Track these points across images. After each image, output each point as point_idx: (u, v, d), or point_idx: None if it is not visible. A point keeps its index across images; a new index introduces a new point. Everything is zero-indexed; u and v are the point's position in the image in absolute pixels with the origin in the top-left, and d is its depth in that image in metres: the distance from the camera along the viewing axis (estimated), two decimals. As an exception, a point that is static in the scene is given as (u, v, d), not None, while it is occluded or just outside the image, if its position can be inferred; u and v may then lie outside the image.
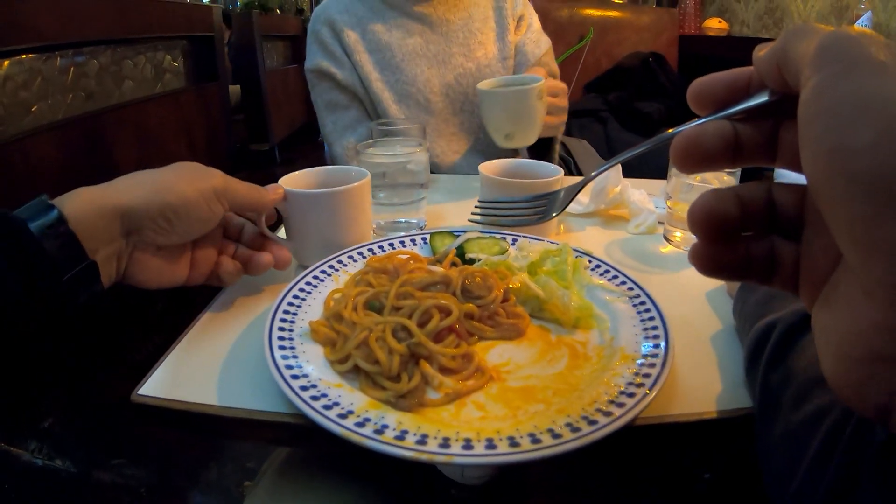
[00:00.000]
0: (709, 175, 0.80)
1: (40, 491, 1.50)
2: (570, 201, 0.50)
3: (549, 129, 1.14)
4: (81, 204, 0.51)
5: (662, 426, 0.49)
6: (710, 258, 0.30)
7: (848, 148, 0.21)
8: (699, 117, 0.31)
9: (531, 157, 1.26)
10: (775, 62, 0.26)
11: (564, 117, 1.18)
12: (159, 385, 0.53)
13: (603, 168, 0.44)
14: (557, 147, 1.33)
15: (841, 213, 0.21)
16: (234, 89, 4.20)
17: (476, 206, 0.60)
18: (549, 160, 1.25)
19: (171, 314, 0.63)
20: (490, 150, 1.34)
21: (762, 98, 0.29)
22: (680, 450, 0.72)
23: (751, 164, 0.31)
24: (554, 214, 0.50)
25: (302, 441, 0.57)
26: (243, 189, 0.64)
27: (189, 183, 0.59)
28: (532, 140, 1.08)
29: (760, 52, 0.27)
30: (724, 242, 0.30)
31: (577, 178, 1.16)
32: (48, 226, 0.48)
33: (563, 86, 1.14)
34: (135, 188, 0.56)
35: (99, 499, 1.49)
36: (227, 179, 0.62)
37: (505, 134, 1.06)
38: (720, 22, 3.44)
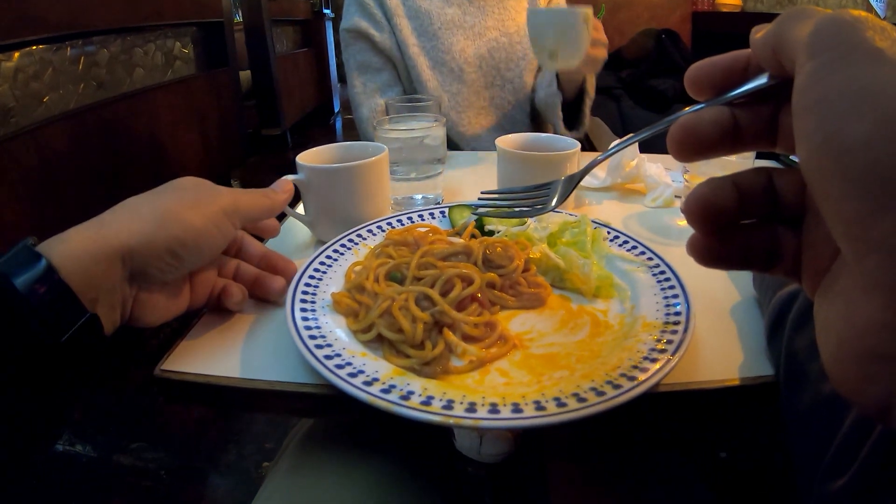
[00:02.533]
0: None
1: (61, 476, 1.53)
2: (571, 192, 0.50)
3: (591, 62, 1.14)
4: (74, 249, 0.44)
5: (685, 393, 0.49)
6: (708, 249, 0.29)
7: (841, 142, 0.20)
8: (697, 103, 0.30)
9: (565, 120, 1.28)
10: (770, 46, 0.25)
11: (605, 53, 1.17)
12: (182, 360, 0.54)
13: (603, 156, 0.43)
14: (588, 104, 1.32)
15: (836, 209, 0.21)
16: (245, 75, 4.20)
17: (479, 199, 0.60)
18: (580, 115, 1.29)
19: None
20: (517, 130, 1.34)
21: (761, 80, 0.28)
22: (698, 427, 0.72)
23: (751, 150, 0.30)
24: (553, 204, 0.50)
25: (324, 412, 0.58)
26: (251, 201, 0.59)
27: (194, 209, 0.52)
28: (574, 63, 1.09)
29: (757, 34, 0.26)
30: (722, 233, 0.29)
31: (592, 154, 1.16)
32: (36, 280, 0.41)
33: (600, 24, 1.15)
34: (134, 223, 0.49)
35: (119, 482, 1.51)
36: (233, 195, 0.57)
37: (549, 52, 1.08)
38: (733, -3, 3.39)
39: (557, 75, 1.23)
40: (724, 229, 0.29)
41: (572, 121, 1.30)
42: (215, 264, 0.60)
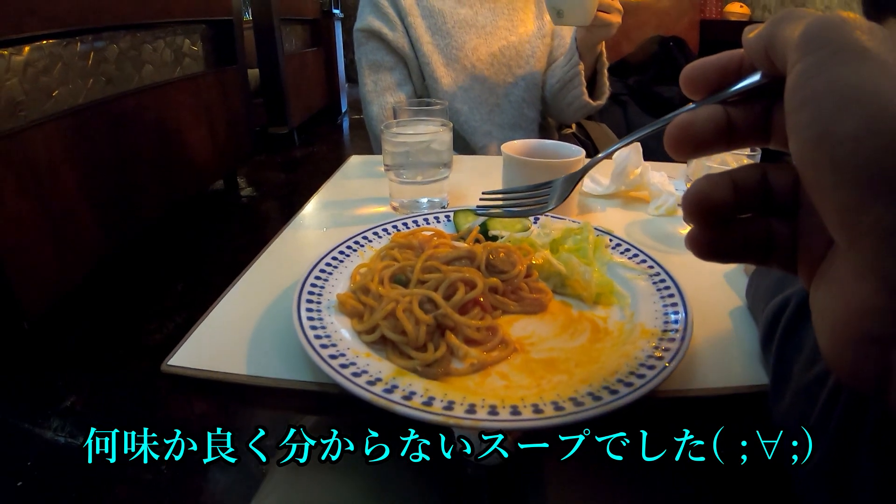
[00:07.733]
0: (728, 156, 0.80)
1: (63, 468, 1.54)
2: (571, 191, 0.50)
3: (602, 25, 1.18)
4: None
5: (682, 399, 0.50)
6: (706, 243, 0.30)
7: (831, 138, 0.21)
8: (693, 102, 0.31)
9: (588, 88, 1.33)
10: (763, 46, 0.26)
11: (618, 19, 1.20)
12: (189, 356, 0.54)
13: (602, 155, 0.44)
14: (605, 72, 1.37)
15: (828, 199, 0.22)
16: (253, 73, 4.22)
17: (480, 199, 0.61)
18: (600, 85, 1.35)
19: (189, 294, 0.62)
20: (530, 128, 1.42)
21: (754, 79, 0.28)
22: (696, 436, 0.73)
23: (745, 146, 0.31)
24: (553, 205, 0.50)
25: (328, 410, 0.59)
26: None
27: None
28: (582, 21, 1.14)
29: (750, 34, 0.27)
30: (719, 227, 0.30)
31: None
32: None
33: None
34: None
35: (121, 475, 1.52)
36: None
37: (557, 10, 1.13)
38: (741, 6, 3.40)
39: (578, 47, 1.27)
40: (721, 223, 0.30)
41: (592, 92, 1.35)
42: None
